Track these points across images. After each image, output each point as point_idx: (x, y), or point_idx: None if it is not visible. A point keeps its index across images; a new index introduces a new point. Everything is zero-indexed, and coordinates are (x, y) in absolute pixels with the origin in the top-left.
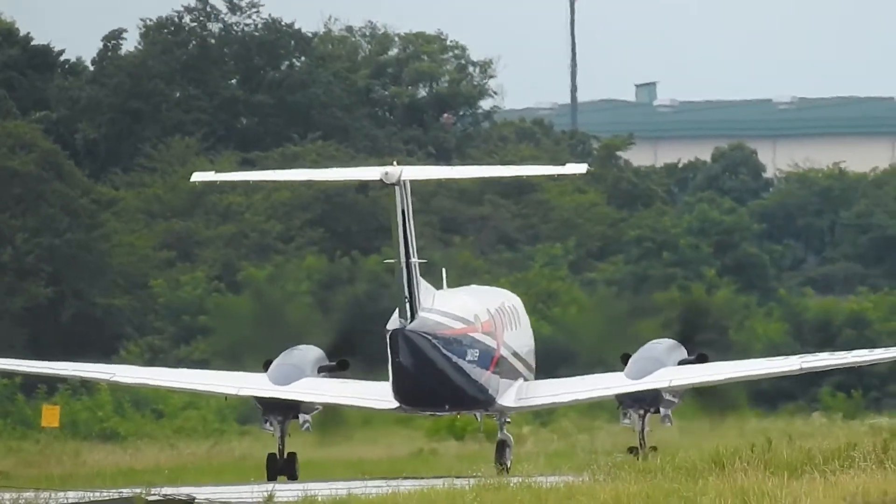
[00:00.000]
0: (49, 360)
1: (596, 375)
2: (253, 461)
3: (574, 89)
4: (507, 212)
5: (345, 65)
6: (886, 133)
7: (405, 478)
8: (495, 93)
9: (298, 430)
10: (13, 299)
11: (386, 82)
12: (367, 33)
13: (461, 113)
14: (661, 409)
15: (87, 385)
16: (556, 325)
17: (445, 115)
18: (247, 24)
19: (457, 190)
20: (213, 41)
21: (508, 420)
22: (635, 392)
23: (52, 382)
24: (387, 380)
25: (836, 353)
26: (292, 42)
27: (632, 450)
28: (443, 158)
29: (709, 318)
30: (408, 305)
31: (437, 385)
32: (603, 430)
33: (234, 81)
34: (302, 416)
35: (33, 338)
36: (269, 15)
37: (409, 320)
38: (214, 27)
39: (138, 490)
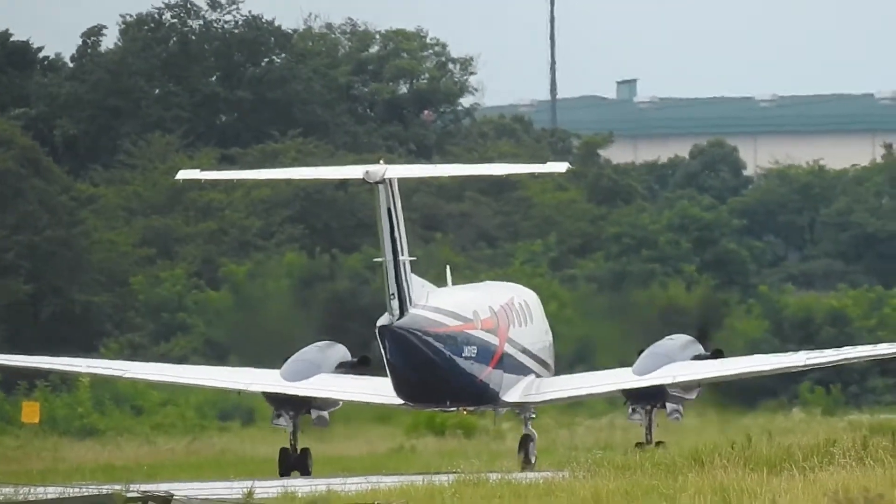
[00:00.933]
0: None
1: (605, 371)
2: (232, 457)
3: (554, 86)
4: (487, 209)
5: (325, 61)
6: (866, 130)
7: (385, 474)
8: (475, 90)
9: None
10: None
11: (366, 79)
12: (348, 30)
13: (441, 110)
14: (668, 405)
15: (66, 381)
16: None
17: (426, 111)
18: (227, 21)
19: (437, 187)
20: (193, 38)
21: (533, 415)
22: (641, 388)
23: (32, 379)
24: None
25: (842, 349)
26: (272, 39)
27: (639, 445)
28: (423, 155)
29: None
30: (396, 302)
31: (432, 381)
32: (583, 426)
33: (214, 78)
34: (314, 412)
35: (12, 335)
36: (250, 12)
37: (396, 317)
38: (195, 24)
39: (117, 487)
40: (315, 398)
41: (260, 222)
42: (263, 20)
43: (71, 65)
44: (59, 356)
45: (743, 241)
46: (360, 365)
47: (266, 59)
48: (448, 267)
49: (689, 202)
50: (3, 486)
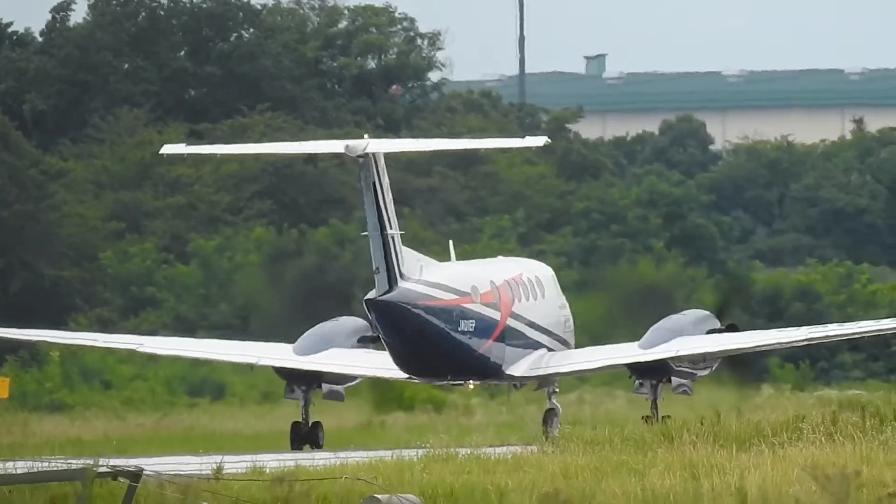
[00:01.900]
0: None
1: (610, 345)
2: (201, 432)
3: (523, 61)
4: (455, 183)
5: (294, 36)
6: (835, 106)
7: (353, 449)
8: (444, 65)
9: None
10: None
11: (335, 54)
12: (316, 6)
13: (410, 85)
14: (674, 379)
15: (36, 357)
16: None
17: (394, 86)
18: None
19: (405, 161)
20: (161, 13)
21: (556, 389)
22: (645, 362)
23: (1, 354)
24: None
25: (844, 323)
26: (241, 14)
27: (646, 419)
28: (391, 130)
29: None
30: (385, 276)
31: (426, 355)
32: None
33: (182, 53)
34: (325, 386)
35: None
36: None
37: (383, 291)
38: None
39: (88, 461)
40: (326, 373)
41: (229, 197)
42: None
43: (40, 39)
44: (27, 329)
45: (711, 216)
46: (380, 339)
47: (234, 35)
48: (451, 242)
49: (658, 178)
50: None
